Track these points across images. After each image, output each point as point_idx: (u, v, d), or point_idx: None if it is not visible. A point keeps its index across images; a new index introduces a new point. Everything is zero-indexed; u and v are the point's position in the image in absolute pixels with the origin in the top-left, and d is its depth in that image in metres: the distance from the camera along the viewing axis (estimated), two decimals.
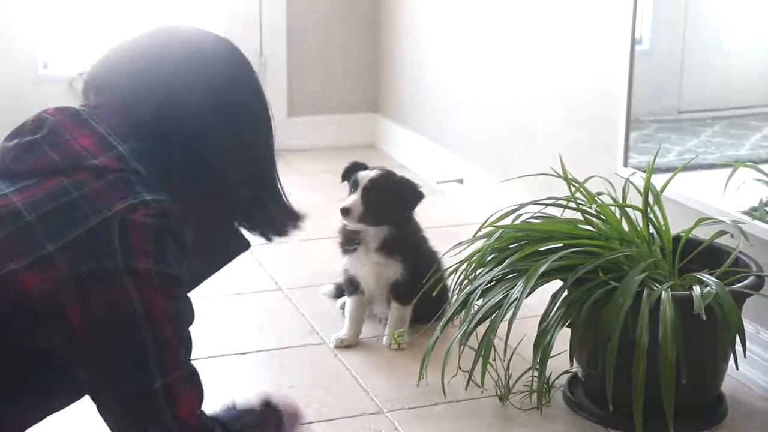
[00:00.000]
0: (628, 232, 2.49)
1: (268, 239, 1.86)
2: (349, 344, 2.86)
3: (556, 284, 2.37)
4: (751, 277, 2.40)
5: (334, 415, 2.50)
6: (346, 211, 2.76)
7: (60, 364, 1.62)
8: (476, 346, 2.36)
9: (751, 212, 2.64)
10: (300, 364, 2.78)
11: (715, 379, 2.47)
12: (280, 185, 1.83)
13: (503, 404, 2.52)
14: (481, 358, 2.34)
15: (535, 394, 2.42)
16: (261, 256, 3.39)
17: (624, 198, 2.58)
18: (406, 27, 4.52)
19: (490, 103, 3.88)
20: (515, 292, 2.32)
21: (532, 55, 3.58)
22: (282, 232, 1.85)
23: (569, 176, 2.60)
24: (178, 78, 1.70)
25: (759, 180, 2.69)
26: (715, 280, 2.32)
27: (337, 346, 2.85)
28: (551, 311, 2.35)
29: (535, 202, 2.60)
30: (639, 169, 2.85)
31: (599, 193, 2.60)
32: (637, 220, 2.51)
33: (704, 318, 2.18)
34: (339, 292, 3.08)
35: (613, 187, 2.64)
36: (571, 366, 2.52)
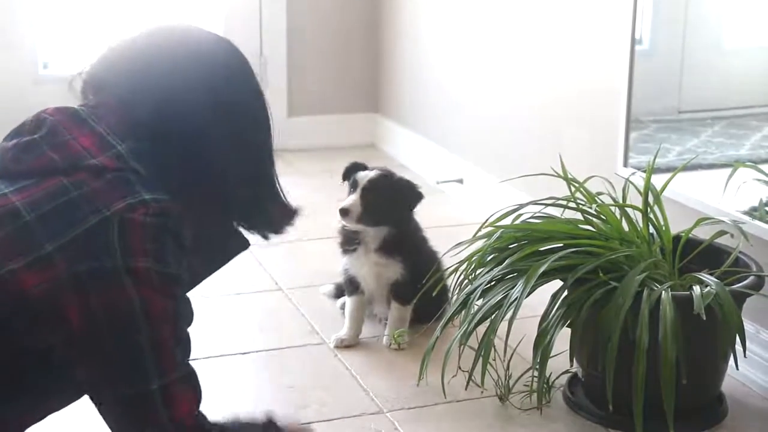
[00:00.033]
0: (628, 232, 2.49)
1: (265, 238, 1.86)
2: (349, 344, 2.86)
3: (556, 284, 2.37)
4: (751, 277, 2.40)
5: (334, 415, 2.50)
6: (345, 212, 2.76)
7: (59, 364, 1.62)
8: (476, 346, 2.36)
9: (751, 212, 2.64)
10: (300, 364, 2.78)
11: (715, 379, 2.47)
12: (279, 184, 1.83)
13: (503, 404, 2.52)
14: (481, 358, 2.34)
15: (535, 394, 2.42)
16: (261, 256, 3.39)
17: (624, 198, 2.58)
18: (406, 27, 4.52)
19: (490, 103, 3.88)
20: (515, 292, 2.32)
21: (532, 55, 3.58)
22: (279, 230, 1.85)
23: (569, 176, 2.59)
24: (177, 77, 1.70)
25: (759, 180, 2.68)
26: (715, 280, 2.32)
27: (337, 346, 2.85)
28: (551, 311, 2.35)
29: (535, 202, 2.60)
30: (639, 169, 2.85)
31: (599, 193, 2.60)
32: (637, 220, 2.51)
33: (704, 318, 2.18)
34: (339, 292, 3.08)
35: (613, 187, 2.64)
36: (571, 366, 2.52)
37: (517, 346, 2.44)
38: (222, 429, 1.68)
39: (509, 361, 2.47)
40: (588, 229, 2.50)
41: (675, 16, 3.12)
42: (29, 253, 1.56)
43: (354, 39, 4.75)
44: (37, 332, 1.58)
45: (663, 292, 2.26)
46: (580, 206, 2.53)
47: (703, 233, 2.54)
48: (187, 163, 1.68)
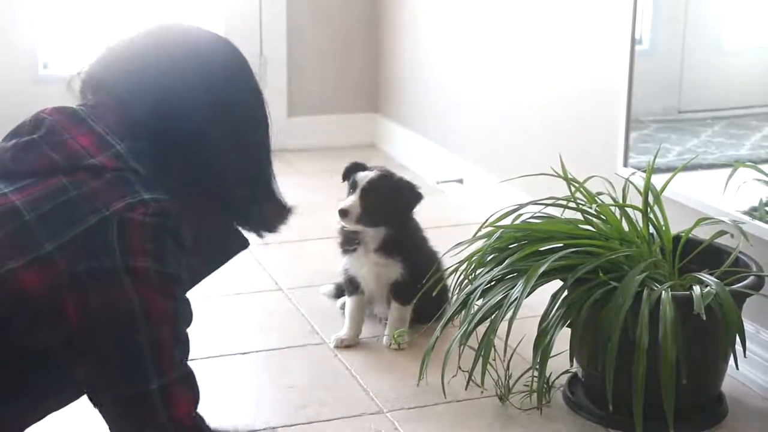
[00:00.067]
0: (628, 232, 2.49)
1: (260, 236, 1.86)
2: (349, 344, 2.86)
3: (556, 284, 2.37)
4: (751, 277, 2.40)
5: (334, 415, 2.50)
6: (344, 213, 2.76)
7: (58, 364, 1.62)
8: (476, 346, 2.36)
9: (751, 212, 2.64)
10: (300, 364, 2.78)
11: (715, 379, 2.47)
12: (275, 183, 1.83)
13: (503, 404, 2.52)
14: (481, 358, 2.34)
15: (535, 394, 2.42)
16: (261, 256, 3.39)
17: (624, 198, 2.58)
18: (406, 27, 4.52)
19: (490, 103, 3.88)
20: (515, 292, 2.31)
21: (532, 55, 3.58)
22: (273, 229, 1.86)
23: (569, 176, 2.59)
24: (175, 76, 1.70)
25: (759, 180, 2.68)
26: (715, 280, 2.32)
27: (337, 346, 2.85)
28: (551, 311, 2.35)
29: (535, 202, 2.60)
30: (639, 169, 2.85)
31: (599, 193, 2.60)
32: (637, 220, 2.51)
33: (704, 318, 2.18)
34: (339, 292, 3.08)
35: (613, 187, 2.64)
36: (571, 366, 2.52)
37: (517, 346, 2.44)
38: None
39: (509, 361, 2.47)
40: (588, 229, 2.50)
41: (675, 16, 3.12)
42: (29, 252, 1.56)
43: (354, 39, 4.75)
44: (37, 332, 1.58)
45: (663, 292, 2.26)
46: (580, 206, 2.53)
47: (703, 233, 2.54)
48: (186, 162, 1.68)
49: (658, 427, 2.22)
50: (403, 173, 2.99)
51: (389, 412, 2.51)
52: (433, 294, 2.62)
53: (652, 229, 2.51)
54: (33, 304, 1.56)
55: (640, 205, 2.50)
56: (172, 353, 1.60)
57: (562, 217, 2.56)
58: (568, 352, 2.41)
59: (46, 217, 1.58)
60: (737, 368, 2.47)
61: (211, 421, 1.70)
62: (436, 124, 4.30)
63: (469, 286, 2.46)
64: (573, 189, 2.56)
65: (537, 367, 2.32)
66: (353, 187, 2.79)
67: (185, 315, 1.69)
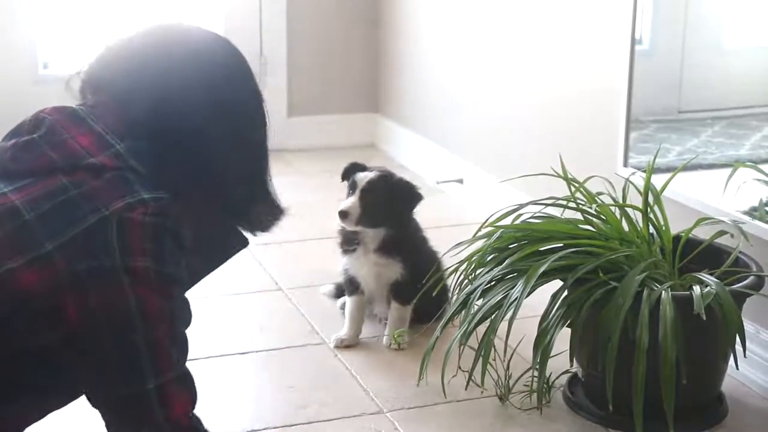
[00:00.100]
0: (628, 232, 2.49)
1: (254, 235, 1.86)
2: (349, 344, 2.86)
3: (556, 284, 2.37)
4: (751, 277, 2.40)
5: (334, 415, 2.50)
6: (344, 215, 2.76)
7: (58, 364, 1.62)
8: (476, 346, 2.36)
9: (751, 212, 2.64)
10: (300, 364, 2.78)
11: (715, 379, 2.47)
12: (271, 183, 1.83)
13: (503, 404, 2.52)
14: (481, 358, 2.34)
15: (535, 394, 2.42)
16: (261, 256, 3.39)
17: (624, 198, 2.58)
18: (406, 27, 4.52)
19: (490, 103, 3.88)
20: (515, 292, 2.31)
21: (532, 55, 3.58)
22: (267, 228, 1.86)
23: (569, 176, 2.59)
24: (174, 75, 1.69)
25: (759, 180, 2.68)
26: (715, 280, 2.32)
27: (337, 346, 2.85)
28: (551, 311, 2.34)
29: (535, 202, 2.60)
30: (639, 169, 2.85)
31: (599, 193, 2.60)
32: (637, 220, 2.51)
33: (704, 318, 2.18)
34: (339, 292, 3.08)
35: (613, 187, 2.64)
36: (571, 366, 2.52)
37: (517, 346, 2.44)
38: None
39: (509, 361, 2.47)
40: (588, 229, 2.50)
41: (675, 16, 3.12)
42: (29, 251, 1.56)
43: (354, 39, 4.75)
44: (36, 331, 1.58)
45: (663, 292, 2.26)
46: (580, 206, 2.53)
47: (703, 233, 2.54)
48: (185, 162, 1.68)
49: (658, 427, 2.22)
50: (403, 173, 2.99)
51: (389, 412, 2.51)
52: (433, 294, 2.62)
53: (652, 229, 2.50)
54: (33, 304, 1.56)
55: (640, 205, 2.50)
56: (169, 353, 1.60)
57: (562, 217, 2.56)
58: (568, 352, 2.41)
59: (46, 217, 1.58)
60: (737, 368, 2.47)
61: (208, 424, 1.69)
62: (436, 124, 4.30)
63: (469, 286, 2.46)
64: (573, 189, 2.56)
65: (537, 367, 2.32)
66: (353, 187, 2.79)
67: (184, 316, 1.69)
